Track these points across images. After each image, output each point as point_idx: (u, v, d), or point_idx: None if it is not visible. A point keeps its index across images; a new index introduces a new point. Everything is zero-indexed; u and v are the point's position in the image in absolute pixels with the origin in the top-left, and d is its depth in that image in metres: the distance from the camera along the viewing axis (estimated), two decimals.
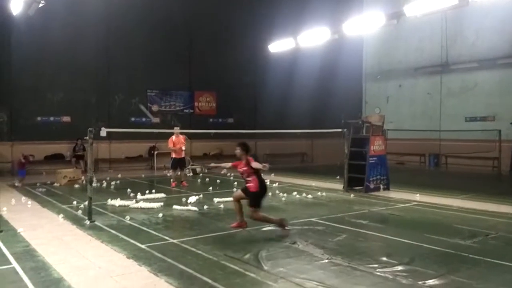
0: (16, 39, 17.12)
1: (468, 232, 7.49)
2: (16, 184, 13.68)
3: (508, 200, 10.95)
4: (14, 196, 11.35)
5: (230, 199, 10.71)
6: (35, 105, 17.76)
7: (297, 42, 19.97)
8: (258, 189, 7.32)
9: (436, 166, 20.30)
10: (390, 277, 5.25)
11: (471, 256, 6.09)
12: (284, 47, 20.87)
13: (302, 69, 22.54)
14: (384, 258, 5.96)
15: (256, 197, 7.34)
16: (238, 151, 7.54)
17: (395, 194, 11.85)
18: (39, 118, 17.90)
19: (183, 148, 13.73)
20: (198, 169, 17.86)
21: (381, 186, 12.42)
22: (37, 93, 17.77)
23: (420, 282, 5.04)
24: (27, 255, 6.21)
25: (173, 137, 13.62)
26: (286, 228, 7.48)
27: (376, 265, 5.66)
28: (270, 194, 11.80)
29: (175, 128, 14.00)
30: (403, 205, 10.31)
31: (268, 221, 7.57)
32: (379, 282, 5.11)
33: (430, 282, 5.06)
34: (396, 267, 5.60)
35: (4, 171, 16.22)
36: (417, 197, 11.09)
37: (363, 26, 17.54)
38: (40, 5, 14.31)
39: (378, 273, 5.38)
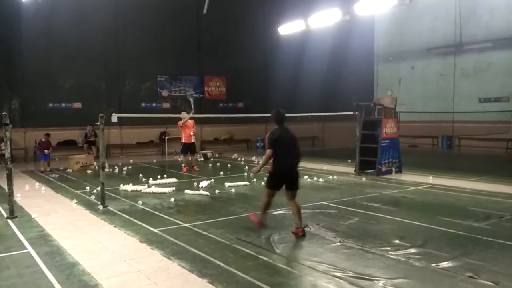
0: (25, 26, 17.12)
1: (482, 214, 7.42)
2: (42, 169, 13.84)
3: None
4: (28, 182, 11.49)
5: (241, 183, 10.82)
6: (46, 91, 17.84)
7: (308, 24, 19.67)
8: (272, 170, 6.45)
9: (449, 148, 20.09)
10: (403, 259, 5.23)
11: (484, 238, 6.03)
12: (294, 29, 20.58)
13: (312, 52, 22.28)
14: (397, 241, 5.93)
15: (268, 176, 6.60)
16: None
17: (407, 177, 11.76)
18: (50, 105, 17.99)
19: (192, 133, 13.70)
20: (209, 154, 17.92)
21: (393, 169, 12.33)
22: (48, 80, 17.82)
23: (433, 265, 5.02)
24: (41, 240, 6.30)
25: (181, 122, 13.59)
26: (259, 225, 6.59)
27: (388, 248, 5.63)
28: None
29: (182, 113, 13.97)
30: (415, 188, 10.23)
31: (262, 208, 6.60)
32: (392, 264, 5.09)
33: (444, 264, 5.03)
34: (409, 249, 5.57)
35: (18, 157, 16.40)
36: (430, 179, 10.99)
37: (375, 6, 17.21)
38: None
39: (391, 256, 5.35)
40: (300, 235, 6.23)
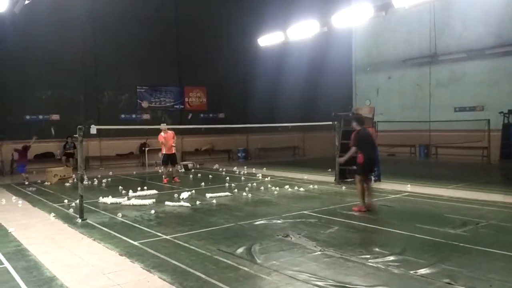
0: (2, 37, 16.88)
1: (459, 221, 7.56)
2: (26, 183, 13.52)
3: (498, 189, 11.11)
4: (5, 196, 11.24)
5: (223, 194, 10.82)
6: (24, 103, 17.57)
7: (286, 35, 19.90)
8: (362, 161, 8.35)
9: (427, 156, 20.45)
10: (382, 267, 5.30)
11: (461, 244, 6.16)
12: (273, 40, 20.79)
13: (291, 63, 22.52)
14: (376, 249, 6.01)
15: (359, 167, 8.50)
16: (353, 124, 8.73)
17: (386, 185, 11.92)
18: (28, 117, 17.72)
19: (174, 144, 13.69)
20: (190, 165, 17.84)
21: (372, 178, 12.42)
22: (25, 92, 17.57)
23: (411, 272, 5.10)
24: (18, 254, 6.18)
25: (162, 133, 13.55)
26: (366, 209, 8.36)
27: (368, 256, 5.70)
28: (262, 188, 11.88)
29: (162, 124, 13.94)
30: (394, 196, 10.38)
31: (360, 196, 8.52)
32: (371, 272, 5.15)
33: (422, 271, 5.11)
34: (388, 257, 5.65)
35: None
36: (408, 187, 11.16)
37: (352, 19, 17.51)
38: (26, 2, 14.12)
39: (370, 264, 5.42)
40: (366, 210, 8.36)
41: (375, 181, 12.44)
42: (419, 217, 8.07)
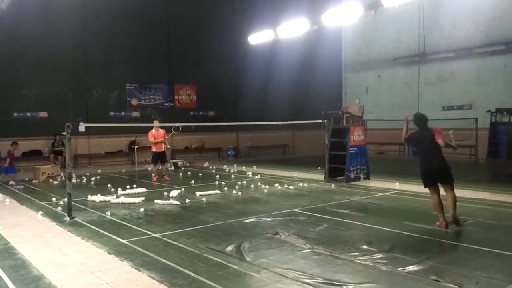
0: None
1: (446, 219, 7.63)
2: (11, 183, 13.26)
3: (485, 186, 11.26)
4: None
5: (213, 192, 10.82)
6: (11, 100, 17.34)
7: (277, 33, 19.94)
8: (420, 171, 7.21)
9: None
10: (371, 264, 5.34)
11: (449, 242, 6.24)
12: (264, 39, 20.82)
13: (282, 61, 22.52)
14: (365, 246, 6.05)
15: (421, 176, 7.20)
16: None
17: (375, 183, 12.01)
18: (15, 114, 17.51)
19: (165, 142, 13.67)
20: (180, 163, 17.78)
21: (362, 176, 12.57)
22: (12, 89, 17.33)
23: (399, 269, 5.14)
24: (6, 253, 6.12)
25: (153, 130, 13.49)
26: (446, 226, 6.84)
27: (356, 253, 5.74)
28: (252, 186, 11.87)
29: (155, 122, 13.88)
30: (383, 194, 10.45)
31: (435, 209, 7.08)
32: (360, 270, 5.19)
33: (410, 268, 5.15)
34: (376, 254, 5.69)
35: None
36: (397, 185, 11.25)
37: (342, 17, 17.60)
38: None
39: (359, 261, 5.46)
40: (447, 225, 6.82)
41: (364, 179, 12.54)
42: (407, 214, 8.15)
